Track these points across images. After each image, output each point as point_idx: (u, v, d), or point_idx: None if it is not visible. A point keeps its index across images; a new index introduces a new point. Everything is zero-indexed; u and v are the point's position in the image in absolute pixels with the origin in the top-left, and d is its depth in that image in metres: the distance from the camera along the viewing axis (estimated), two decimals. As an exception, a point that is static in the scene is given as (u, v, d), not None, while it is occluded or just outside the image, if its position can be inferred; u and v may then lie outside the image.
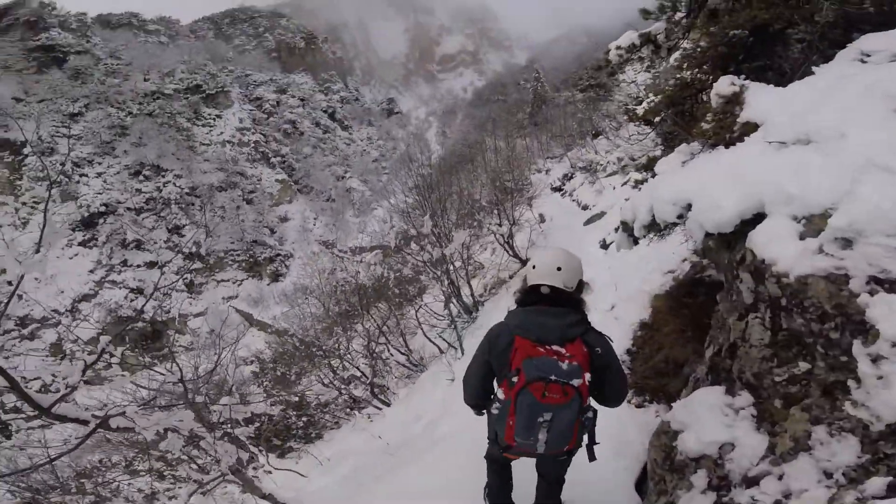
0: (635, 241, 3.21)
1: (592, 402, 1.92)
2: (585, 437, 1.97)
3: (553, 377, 1.72)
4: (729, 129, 2.67)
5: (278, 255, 36.09)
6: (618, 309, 4.63)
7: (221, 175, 37.33)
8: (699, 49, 3.51)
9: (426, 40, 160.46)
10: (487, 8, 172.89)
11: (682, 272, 4.39)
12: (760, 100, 2.57)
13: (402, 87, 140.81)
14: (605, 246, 7.74)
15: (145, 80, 39.93)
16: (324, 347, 8.96)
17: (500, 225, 11.08)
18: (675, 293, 4.15)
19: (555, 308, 1.88)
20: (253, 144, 42.29)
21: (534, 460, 2.24)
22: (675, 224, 2.64)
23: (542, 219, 11.55)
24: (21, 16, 39.84)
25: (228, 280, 33.98)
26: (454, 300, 9.88)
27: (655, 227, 2.83)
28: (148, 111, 37.24)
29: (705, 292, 3.66)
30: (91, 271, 29.02)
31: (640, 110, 4.16)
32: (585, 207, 10.61)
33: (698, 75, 3.60)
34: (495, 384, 1.99)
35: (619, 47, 4.24)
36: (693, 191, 2.39)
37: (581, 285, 1.98)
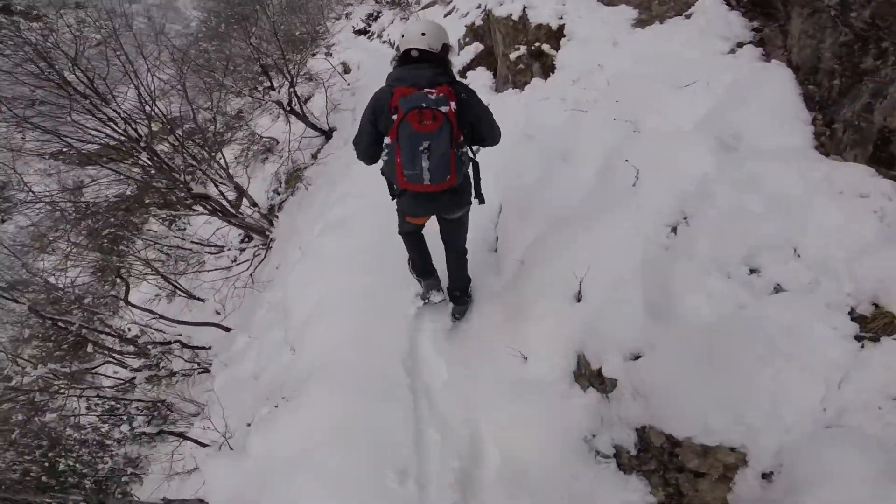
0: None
1: (471, 154, 2.24)
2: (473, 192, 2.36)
3: (424, 104, 1.94)
4: None
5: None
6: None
7: None
8: None
9: None
10: None
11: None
12: None
13: None
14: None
15: None
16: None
17: (271, 89, 7.34)
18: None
19: (425, 63, 2.08)
20: None
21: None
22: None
23: (346, 69, 8.13)
24: None
25: None
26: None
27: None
28: None
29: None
30: None
31: None
32: (402, 49, 7.45)
33: None
34: (387, 139, 2.12)
35: None
36: None
37: (446, 48, 2.16)
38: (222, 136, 9.83)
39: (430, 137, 1.95)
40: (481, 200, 2.36)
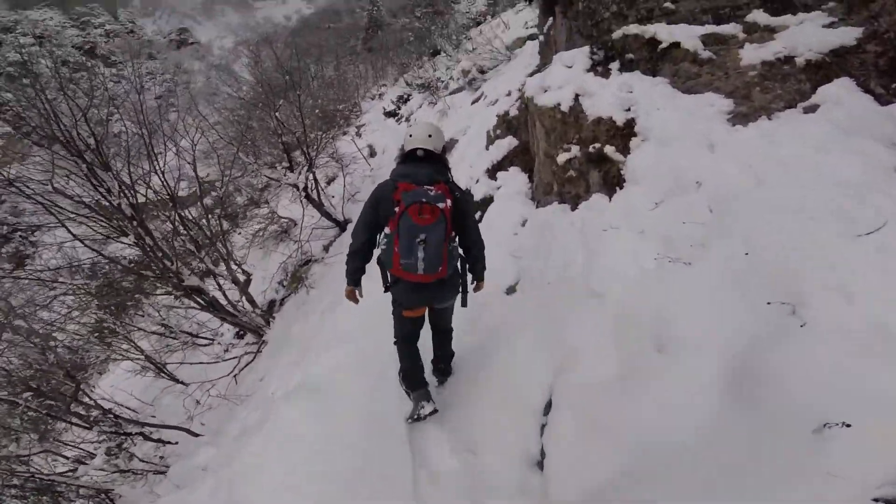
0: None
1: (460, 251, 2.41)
2: (460, 286, 2.45)
3: (424, 199, 2.11)
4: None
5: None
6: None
7: None
8: None
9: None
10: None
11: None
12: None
13: (203, 16, 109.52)
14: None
15: None
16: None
17: (290, 169, 6.83)
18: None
19: (427, 162, 2.30)
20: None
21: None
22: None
23: (371, 152, 7.64)
24: None
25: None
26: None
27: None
28: None
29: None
30: None
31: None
32: (429, 135, 6.90)
33: None
34: (386, 229, 2.26)
35: None
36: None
37: (445, 148, 2.44)
38: (244, 211, 9.41)
39: (426, 230, 2.09)
40: (464, 303, 2.46)
